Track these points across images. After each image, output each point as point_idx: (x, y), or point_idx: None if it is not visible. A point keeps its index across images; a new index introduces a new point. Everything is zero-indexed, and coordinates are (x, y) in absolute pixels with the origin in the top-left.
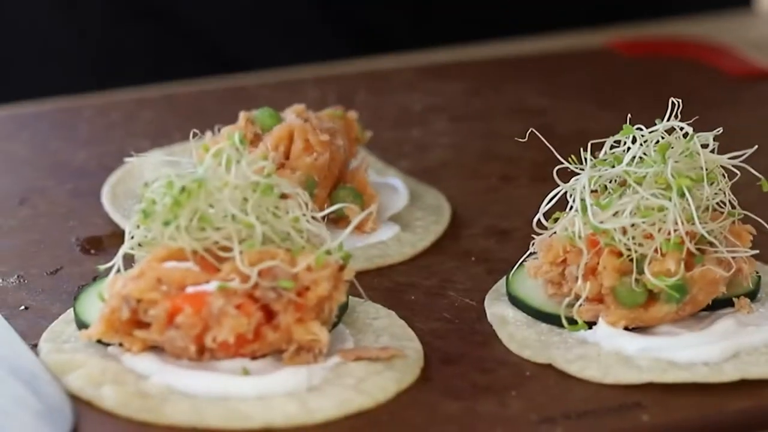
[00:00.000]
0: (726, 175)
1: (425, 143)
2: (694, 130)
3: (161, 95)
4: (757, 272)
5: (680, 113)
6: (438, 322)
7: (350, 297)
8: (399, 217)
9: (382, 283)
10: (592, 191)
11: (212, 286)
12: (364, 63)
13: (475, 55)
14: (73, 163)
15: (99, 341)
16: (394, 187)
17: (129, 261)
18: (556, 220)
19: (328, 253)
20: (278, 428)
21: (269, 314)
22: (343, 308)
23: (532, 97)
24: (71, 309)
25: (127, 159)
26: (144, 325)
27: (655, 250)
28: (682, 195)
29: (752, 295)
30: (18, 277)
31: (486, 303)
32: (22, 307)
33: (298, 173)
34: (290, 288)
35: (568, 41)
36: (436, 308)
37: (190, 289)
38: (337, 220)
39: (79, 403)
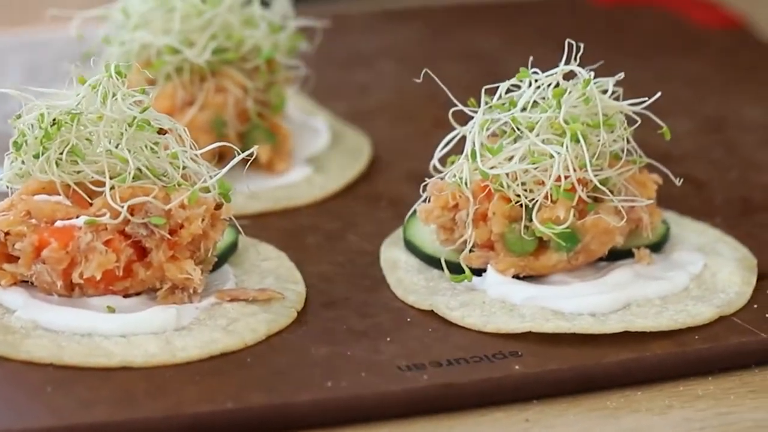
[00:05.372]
0: (635, 121)
1: (367, 85)
2: (596, 74)
3: None
4: (665, 223)
5: (638, 62)
6: (330, 266)
7: (242, 237)
8: (316, 159)
9: (284, 225)
10: (492, 136)
11: (81, 220)
12: (322, 5)
13: (434, 0)
14: None
15: None
16: (316, 129)
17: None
18: (453, 163)
19: (207, 190)
20: (137, 366)
21: (142, 252)
22: (231, 248)
23: (486, 43)
24: None
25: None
26: (13, 259)
27: (546, 197)
28: (576, 141)
29: (656, 247)
30: None
31: (382, 248)
32: None
33: (207, 112)
34: (162, 225)
35: None
36: (332, 252)
37: (59, 223)
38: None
39: None
